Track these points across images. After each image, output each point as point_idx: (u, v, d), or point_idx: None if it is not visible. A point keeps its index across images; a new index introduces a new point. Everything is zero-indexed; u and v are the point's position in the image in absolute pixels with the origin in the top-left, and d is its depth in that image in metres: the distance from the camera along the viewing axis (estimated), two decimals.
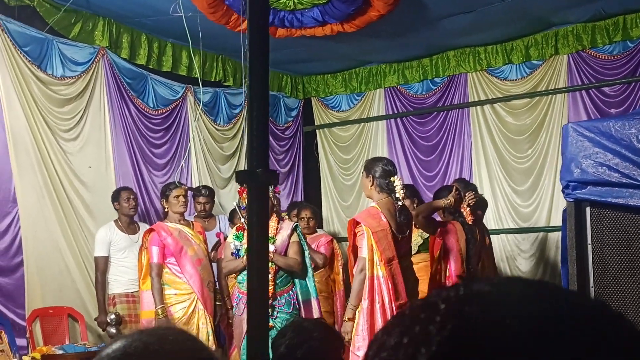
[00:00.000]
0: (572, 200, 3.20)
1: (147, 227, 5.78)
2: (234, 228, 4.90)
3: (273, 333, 4.51)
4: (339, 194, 8.28)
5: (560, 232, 6.83)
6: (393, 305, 3.87)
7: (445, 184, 6.72)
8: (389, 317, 3.84)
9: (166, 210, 5.26)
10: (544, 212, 7.02)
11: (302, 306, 4.60)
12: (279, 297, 4.59)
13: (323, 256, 5.66)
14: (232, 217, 6.43)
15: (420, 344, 0.48)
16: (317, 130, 8.41)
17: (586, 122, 3.65)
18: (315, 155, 8.36)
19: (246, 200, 1.69)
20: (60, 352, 4.99)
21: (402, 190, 4.06)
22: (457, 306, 0.50)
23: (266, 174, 1.61)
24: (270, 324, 4.53)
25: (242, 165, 7.59)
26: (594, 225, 3.20)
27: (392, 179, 4.09)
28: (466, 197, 4.54)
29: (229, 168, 7.45)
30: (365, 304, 3.94)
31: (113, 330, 5.33)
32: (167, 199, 5.21)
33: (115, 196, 5.67)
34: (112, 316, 5.29)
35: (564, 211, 3.38)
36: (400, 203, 4.06)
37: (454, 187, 4.61)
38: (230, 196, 7.39)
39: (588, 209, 3.21)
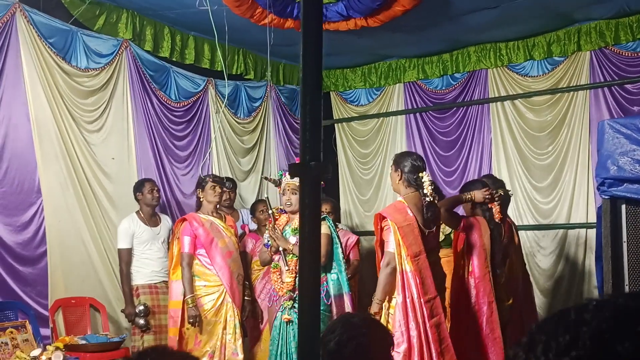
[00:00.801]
0: (607, 197, 3.18)
1: (168, 218, 5.83)
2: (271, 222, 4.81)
3: (295, 326, 4.54)
4: (357, 188, 8.28)
5: (579, 230, 6.87)
6: (422, 300, 3.87)
7: (467, 180, 6.70)
8: (418, 312, 3.83)
9: (201, 200, 5.27)
10: (564, 209, 6.99)
11: (334, 301, 4.55)
12: None
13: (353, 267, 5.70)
14: (253, 210, 6.45)
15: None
16: (335, 125, 8.40)
17: (623, 119, 3.62)
18: (334, 149, 8.35)
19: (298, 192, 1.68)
20: (83, 342, 5.03)
21: (430, 187, 4.04)
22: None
23: (319, 166, 1.61)
24: (290, 317, 4.52)
25: (262, 158, 7.61)
26: (629, 223, 3.17)
27: (420, 174, 4.08)
28: (495, 194, 4.51)
29: (249, 161, 7.47)
30: (400, 298, 3.92)
31: (141, 321, 5.37)
32: (204, 188, 5.23)
33: (139, 187, 5.68)
34: (141, 307, 5.32)
35: (599, 208, 3.36)
36: (428, 199, 4.05)
37: (484, 184, 4.58)
38: (250, 188, 7.41)
39: (624, 207, 3.19)
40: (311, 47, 1.65)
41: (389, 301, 3.95)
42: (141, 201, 5.64)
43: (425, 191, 4.03)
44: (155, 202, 5.67)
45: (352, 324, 1.90)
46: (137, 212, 5.64)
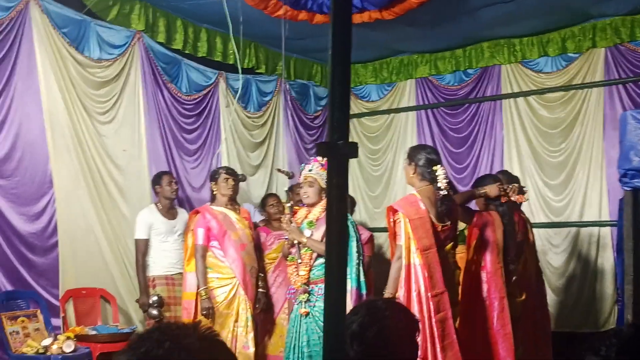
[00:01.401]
0: (629, 189, 3.14)
1: (185, 212, 5.81)
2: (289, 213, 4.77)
3: (309, 321, 4.51)
4: (367, 185, 8.25)
5: (592, 228, 6.82)
6: (429, 294, 3.83)
7: (480, 175, 6.66)
8: (424, 306, 3.80)
9: (214, 193, 5.26)
10: (577, 207, 6.94)
11: (347, 296, 4.52)
12: (320, 285, 4.50)
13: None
14: (263, 204, 6.43)
15: None
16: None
17: None
18: None
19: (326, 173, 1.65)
20: (94, 332, 5.02)
21: (445, 180, 4.00)
22: None
23: (347, 146, 1.58)
24: (306, 310, 4.49)
25: (272, 153, 7.58)
26: None
27: (434, 167, 4.04)
28: (509, 189, 4.48)
29: (259, 155, 7.44)
30: (401, 292, 3.90)
31: (155, 312, 5.35)
32: (217, 181, 5.22)
33: (157, 180, 5.69)
34: (155, 298, 5.30)
35: (621, 200, 3.32)
36: (442, 192, 4.01)
37: (496, 179, 4.55)
38: (259, 183, 7.38)
39: None
40: (340, 23, 1.62)
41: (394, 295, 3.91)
42: (160, 194, 5.65)
43: (439, 185, 3.99)
44: (174, 194, 5.67)
45: (376, 307, 1.87)
46: (156, 204, 5.64)
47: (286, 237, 4.71)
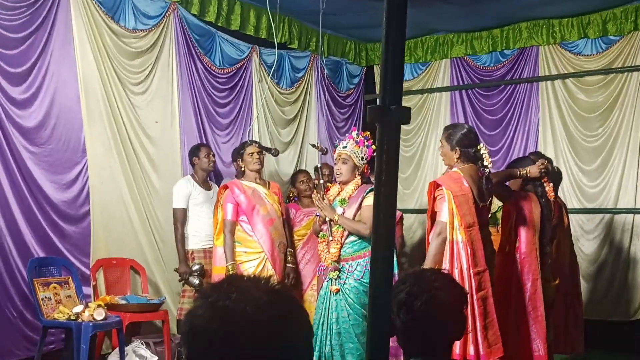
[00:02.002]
0: None
1: (216, 186, 5.82)
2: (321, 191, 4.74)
3: (339, 298, 4.48)
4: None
5: (626, 215, 6.68)
6: (471, 271, 3.78)
7: (512, 159, 6.56)
8: (467, 283, 3.75)
9: (242, 169, 5.25)
10: (612, 193, 6.80)
11: None
12: (351, 262, 4.48)
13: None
14: (293, 181, 6.40)
15: None
16: (378, 99, 8.25)
17: None
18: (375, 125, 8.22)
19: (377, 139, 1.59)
20: (123, 302, 5.06)
21: (489, 158, 3.96)
22: None
23: (400, 111, 1.53)
24: (337, 287, 4.46)
25: (302, 130, 7.53)
26: None
27: (479, 147, 3.99)
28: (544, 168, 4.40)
29: (289, 132, 7.40)
30: (447, 269, 3.85)
31: (196, 281, 5.38)
32: (242, 157, 5.21)
33: (194, 151, 5.72)
34: (196, 266, 5.34)
35: None
36: (487, 170, 3.95)
37: (539, 159, 4.46)
38: (289, 160, 7.35)
39: None
40: None
41: None
42: (197, 165, 5.68)
43: (485, 162, 3.94)
44: (212, 167, 5.72)
45: (425, 276, 1.84)
46: (192, 175, 5.67)
47: (317, 214, 4.68)
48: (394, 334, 1.81)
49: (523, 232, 4.34)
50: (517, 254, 4.38)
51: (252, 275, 1.23)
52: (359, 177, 4.60)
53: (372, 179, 5.10)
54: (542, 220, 4.34)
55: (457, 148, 3.99)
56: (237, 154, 5.38)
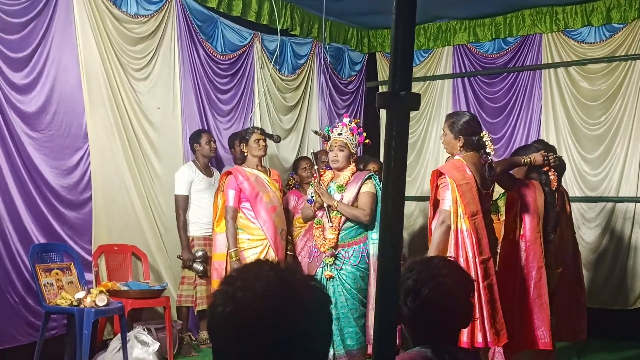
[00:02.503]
0: None
1: (218, 172, 5.81)
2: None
3: (336, 284, 4.49)
4: None
5: (628, 204, 6.68)
6: (477, 259, 3.78)
7: (514, 148, 6.55)
8: (472, 272, 3.75)
9: (245, 154, 5.23)
10: (614, 182, 6.80)
11: (373, 261, 4.49)
12: (347, 248, 4.50)
13: None
14: (296, 167, 6.39)
15: None
16: (380, 86, 8.24)
17: None
18: (377, 112, 8.20)
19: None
20: (125, 288, 5.06)
21: (492, 145, 3.95)
22: None
23: (409, 96, 1.51)
24: (330, 273, 4.48)
25: (304, 117, 7.51)
26: None
27: (482, 134, 3.98)
28: (551, 159, 4.38)
29: (291, 119, 7.38)
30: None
31: (200, 267, 5.39)
32: (247, 142, 5.19)
33: (196, 137, 5.71)
34: (200, 252, 5.35)
35: None
36: (490, 158, 3.94)
37: (538, 149, 4.45)
38: (290, 147, 7.33)
39: None
40: None
41: None
42: (198, 152, 5.68)
43: (488, 150, 3.93)
44: (213, 153, 5.72)
45: (432, 264, 1.83)
46: (194, 161, 5.66)
47: (309, 200, 4.66)
48: (401, 322, 1.80)
49: (527, 220, 4.33)
50: (522, 241, 4.37)
51: (259, 259, 1.24)
52: (354, 164, 4.63)
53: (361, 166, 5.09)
54: (545, 208, 4.33)
55: (460, 136, 3.97)
56: (242, 139, 5.35)
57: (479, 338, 3.76)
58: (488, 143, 3.96)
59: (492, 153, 3.97)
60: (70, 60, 5.19)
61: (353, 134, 4.59)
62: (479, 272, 3.78)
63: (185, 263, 5.48)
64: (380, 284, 1.55)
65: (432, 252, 3.82)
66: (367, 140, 4.69)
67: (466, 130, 3.97)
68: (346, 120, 4.64)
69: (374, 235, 4.52)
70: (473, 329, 3.74)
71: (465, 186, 3.82)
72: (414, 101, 1.57)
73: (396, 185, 1.56)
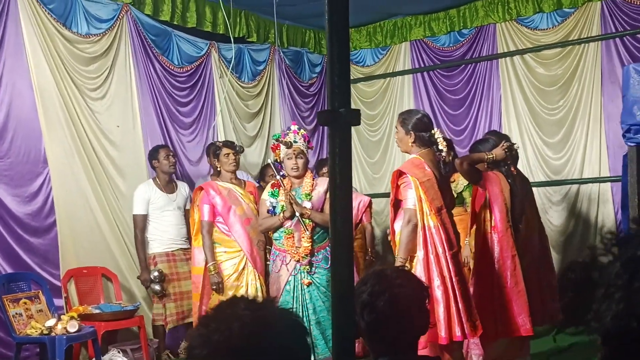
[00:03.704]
0: (634, 144, 3.08)
1: (186, 186, 5.79)
2: (269, 185, 4.81)
3: (312, 289, 4.51)
4: (365, 151, 8.19)
5: (591, 185, 6.78)
6: (447, 254, 3.82)
7: (477, 138, 6.61)
8: (444, 266, 3.79)
9: (218, 169, 5.19)
10: (576, 164, 6.90)
11: None
12: (316, 253, 4.54)
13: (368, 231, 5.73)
14: (263, 175, 6.37)
15: None
16: None
17: None
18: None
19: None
20: (97, 311, 5.00)
21: (444, 142, 3.99)
22: None
23: (350, 113, 1.52)
24: (309, 280, 4.49)
25: (268, 123, 7.49)
26: None
27: (432, 131, 4.01)
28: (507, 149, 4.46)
29: (255, 126, 7.36)
30: (421, 254, 3.87)
31: (157, 287, 5.35)
32: (219, 157, 5.14)
33: (154, 154, 5.65)
34: (156, 273, 5.30)
35: (625, 156, 3.26)
36: (443, 154, 3.98)
37: (502, 142, 4.52)
38: (256, 154, 7.31)
39: None
40: None
41: (411, 261, 3.88)
42: (157, 168, 5.62)
43: (440, 147, 3.96)
44: (172, 168, 5.65)
45: (385, 275, 1.84)
46: (154, 179, 5.61)
47: (270, 209, 4.65)
48: (359, 336, 1.81)
49: (497, 212, 4.39)
50: (494, 233, 4.43)
51: (234, 297, 1.26)
52: (309, 171, 4.68)
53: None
54: (512, 198, 4.40)
55: (411, 132, 4.00)
56: (214, 154, 5.31)
57: (457, 332, 3.80)
58: (440, 140, 3.99)
59: (444, 150, 4.00)
60: (23, 84, 5.13)
61: (304, 141, 4.64)
62: (451, 267, 3.82)
63: (144, 284, 5.45)
64: (334, 298, 1.55)
65: (401, 252, 3.85)
66: (310, 144, 4.77)
67: (417, 127, 4.00)
68: (294, 127, 4.68)
69: None
70: (450, 323, 3.78)
71: (428, 183, 3.86)
72: (354, 117, 1.58)
73: (343, 201, 1.57)
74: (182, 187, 5.76)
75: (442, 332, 3.76)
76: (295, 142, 4.57)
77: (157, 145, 5.83)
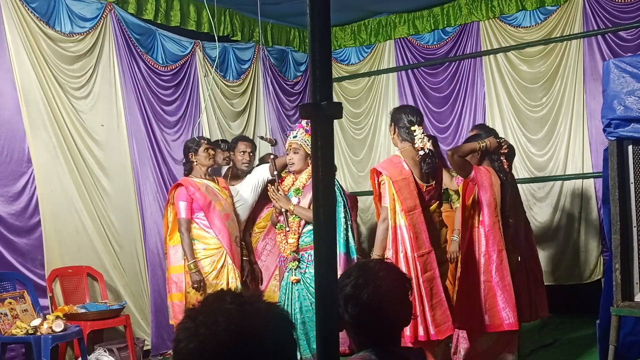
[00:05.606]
0: (614, 138, 3.12)
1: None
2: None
3: (300, 288, 4.52)
4: (350, 149, 8.21)
5: (575, 181, 6.85)
6: (415, 254, 3.83)
7: (461, 135, 6.65)
8: (412, 266, 3.81)
9: (195, 164, 5.13)
10: (560, 161, 6.96)
11: None
12: (309, 251, 4.50)
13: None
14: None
15: None
16: None
17: (629, 58, 3.54)
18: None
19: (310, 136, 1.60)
20: (83, 310, 4.99)
21: (421, 140, 3.96)
22: None
23: (332, 106, 1.53)
24: (297, 277, 4.49)
25: (253, 121, 7.49)
26: (636, 163, 3.12)
27: (412, 128, 4.01)
28: (502, 142, 4.47)
29: (240, 124, 7.35)
30: (389, 253, 3.90)
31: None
32: (197, 152, 5.10)
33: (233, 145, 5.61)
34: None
35: (605, 150, 3.29)
36: (421, 153, 3.97)
37: (496, 133, 4.54)
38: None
39: (630, 148, 3.12)
40: None
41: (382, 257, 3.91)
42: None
43: (417, 144, 3.96)
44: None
45: (368, 268, 1.86)
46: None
47: (273, 205, 4.69)
48: (343, 329, 1.82)
49: (485, 206, 4.37)
50: (482, 227, 4.42)
51: (221, 290, 1.27)
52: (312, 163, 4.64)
53: None
54: (502, 193, 4.40)
55: (394, 127, 4.04)
56: (191, 149, 5.25)
57: (420, 331, 3.82)
58: (417, 137, 3.97)
59: (422, 147, 3.97)
60: (6, 84, 5.10)
61: (309, 135, 4.59)
62: (419, 267, 3.84)
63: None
64: (318, 292, 1.57)
65: (376, 249, 3.89)
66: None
67: (399, 122, 4.02)
68: (304, 122, 4.65)
69: (339, 237, 4.53)
70: (415, 324, 3.80)
71: (402, 182, 3.87)
72: (336, 110, 1.60)
73: (326, 194, 1.59)
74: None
75: (407, 331, 3.78)
76: (294, 137, 4.58)
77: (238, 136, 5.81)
